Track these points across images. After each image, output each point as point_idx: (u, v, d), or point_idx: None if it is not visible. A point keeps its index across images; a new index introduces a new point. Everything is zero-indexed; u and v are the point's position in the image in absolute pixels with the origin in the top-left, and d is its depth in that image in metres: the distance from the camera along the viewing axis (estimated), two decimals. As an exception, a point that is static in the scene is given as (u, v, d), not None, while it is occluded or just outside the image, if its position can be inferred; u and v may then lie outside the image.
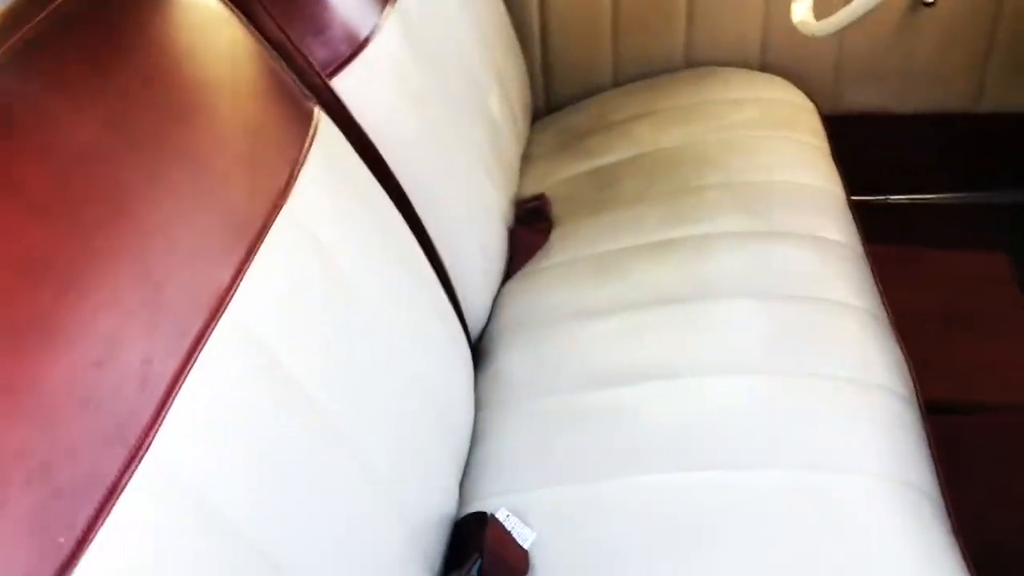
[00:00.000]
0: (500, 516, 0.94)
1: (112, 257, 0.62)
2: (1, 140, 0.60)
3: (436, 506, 0.95)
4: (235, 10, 0.87)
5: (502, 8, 1.60)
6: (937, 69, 1.68)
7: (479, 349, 1.22)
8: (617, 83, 1.77)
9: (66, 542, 0.53)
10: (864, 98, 1.74)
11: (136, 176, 0.66)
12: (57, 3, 0.70)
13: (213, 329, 0.67)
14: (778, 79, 1.68)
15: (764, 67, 1.73)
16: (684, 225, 1.30)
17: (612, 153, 1.52)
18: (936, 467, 1.00)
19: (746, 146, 1.45)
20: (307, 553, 0.70)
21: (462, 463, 1.04)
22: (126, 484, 0.57)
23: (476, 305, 1.22)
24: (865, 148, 1.72)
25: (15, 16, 0.67)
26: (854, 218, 1.36)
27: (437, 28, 1.25)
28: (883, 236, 1.39)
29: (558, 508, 0.96)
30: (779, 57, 1.71)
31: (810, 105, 1.62)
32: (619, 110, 1.65)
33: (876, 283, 1.23)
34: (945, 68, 1.68)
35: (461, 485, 1.03)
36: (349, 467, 0.78)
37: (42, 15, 0.68)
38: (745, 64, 1.73)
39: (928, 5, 1.62)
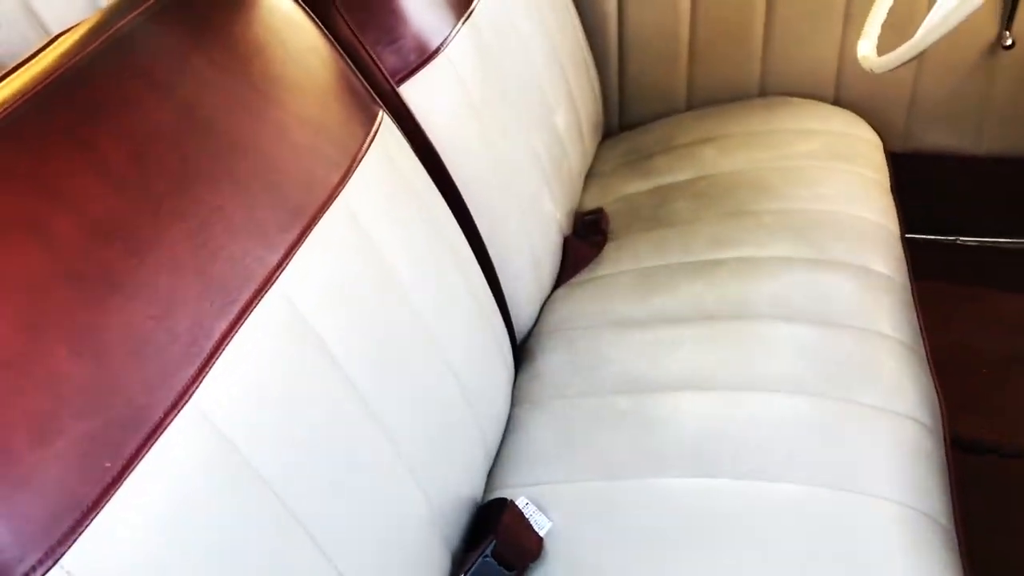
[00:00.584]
0: (519, 503, 0.99)
1: (174, 228, 0.70)
2: (90, 119, 0.69)
3: (462, 491, 1.01)
4: (311, 14, 0.96)
5: (579, 30, 1.66)
6: (1013, 112, 1.68)
7: (523, 349, 1.28)
8: (691, 107, 1.81)
9: (112, 467, 0.61)
10: (937, 137, 1.74)
11: (203, 157, 0.75)
12: (150, 2, 0.80)
13: (259, 301, 0.74)
14: (848, 113, 1.70)
15: (837, 100, 1.75)
16: (733, 247, 1.34)
17: (674, 173, 1.57)
18: (954, 501, 1.01)
19: (805, 175, 1.48)
20: (329, 515, 0.77)
21: (492, 453, 1.10)
22: (168, 425, 0.65)
23: (523, 308, 1.29)
24: (936, 187, 1.73)
25: (113, 12, 0.77)
26: (907, 254, 1.37)
27: (508, 44, 1.33)
28: (950, 275, 1.40)
29: (577, 502, 1.01)
30: (853, 91, 1.73)
31: (876, 140, 1.64)
32: (687, 133, 1.69)
33: (918, 318, 1.24)
34: (1021, 111, 1.67)
35: (489, 474, 1.09)
36: (379, 443, 0.85)
37: (135, 12, 0.77)
38: (819, 96, 1.75)
39: (1007, 48, 1.61)
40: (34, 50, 0.74)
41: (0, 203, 0.62)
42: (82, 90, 0.71)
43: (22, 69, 0.70)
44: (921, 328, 1.23)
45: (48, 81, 0.69)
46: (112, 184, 0.68)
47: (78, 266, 0.64)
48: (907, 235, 1.44)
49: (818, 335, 1.17)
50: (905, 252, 1.37)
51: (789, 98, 1.75)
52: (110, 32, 0.75)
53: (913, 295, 1.28)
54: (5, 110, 0.65)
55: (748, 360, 1.15)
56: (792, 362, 1.13)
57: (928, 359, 1.18)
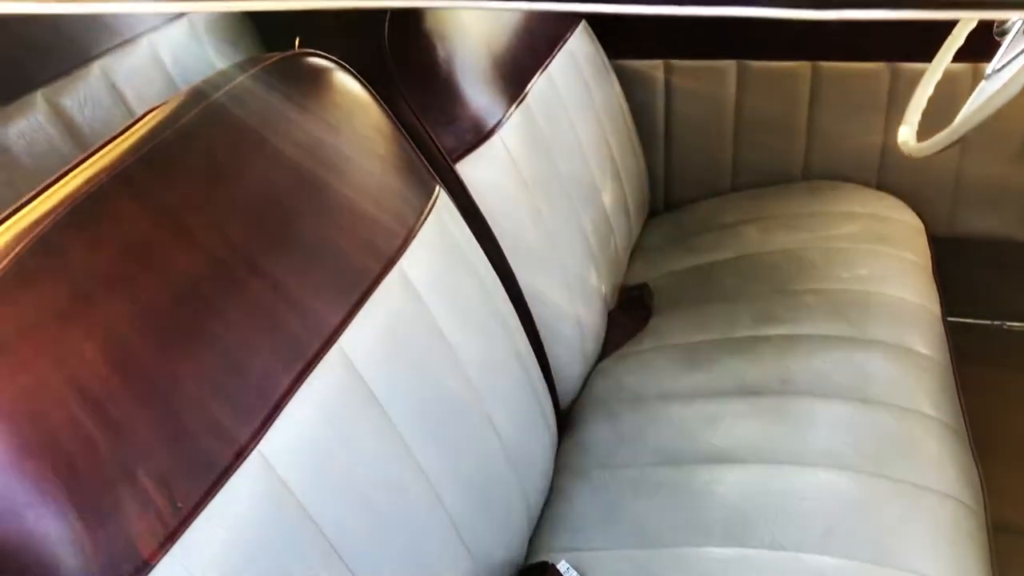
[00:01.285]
0: (560, 567, 1.02)
1: (250, 288, 0.77)
2: (173, 189, 0.76)
3: (505, 551, 1.04)
4: (377, 96, 1.03)
5: (627, 114, 1.73)
6: (1056, 198, 1.70)
7: (567, 418, 1.32)
8: (735, 188, 1.86)
9: (183, 508, 0.65)
10: (980, 222, 1.76)
11: (277, 223, 0.82)
12: (233, 83, 0.87)
13: (322, 357, 0.80)
14: (891, 197, 1.73)
15: (881, 185, 1.78)
16: (775, 324, 1.37)
17: (717, 252, 1.61)
18: (994, 581, 1.02)
19: (846, 256, 1.51)
20: (376, 563, 0.81)
21: (535, 517, 1.13)
22: (234, 471, 0.69)
23: (568, 378, 1.32)
24: (980, 271, 1.74)
25: (198, 92, 0.85)
26: (949, 337, 1.39)
27: (558, 126, 1.40)
28: (994, 359, 1.40)
29: (616, 568, 1.03)
30: (895, 176, 1.77)
31: (919, 224, 1.66)
32: (731, 213, 1.74)
33: (960, 400, 1.26)
34: (1064, 197, 1.69)
35: (531, 538, 1.12)
36: (426, 497, 0.89)
37: (219, 92, 0.85)
38: (862, 181, 1.79)
39: (1049, 134, 1.64)
40: (124, 127, 0.81)
41: (94, 262, 0.68)
42: (166, 163, 0.78)
43: (113, 144, 0.78)
44: (963, 409, 1.24)
45: (136, 156, 0.76)
46: (192, 247, 0.74)
47: (158, 319, 0.69)
48: (950, 318, 1.45)
49: (858, 412, 1.19)
50: (947, 334, 1.39)
51: (832, 182, 1.79)
52: (194, 111, 0.83)
53: (955, 377, 1.29)
54: (98, 182, 0.72)
55: (788, 435, 1.17)
56: (832, 438, 1.15)
57: (970, 440, 1.19)
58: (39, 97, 1.40)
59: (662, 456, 1.18)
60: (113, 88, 1.53)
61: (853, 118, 1.74)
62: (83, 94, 1.46)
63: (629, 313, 1.49)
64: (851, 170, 1.79)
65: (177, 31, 1.69)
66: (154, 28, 1.66)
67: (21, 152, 1.34)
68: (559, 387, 1.30)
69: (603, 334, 1.44)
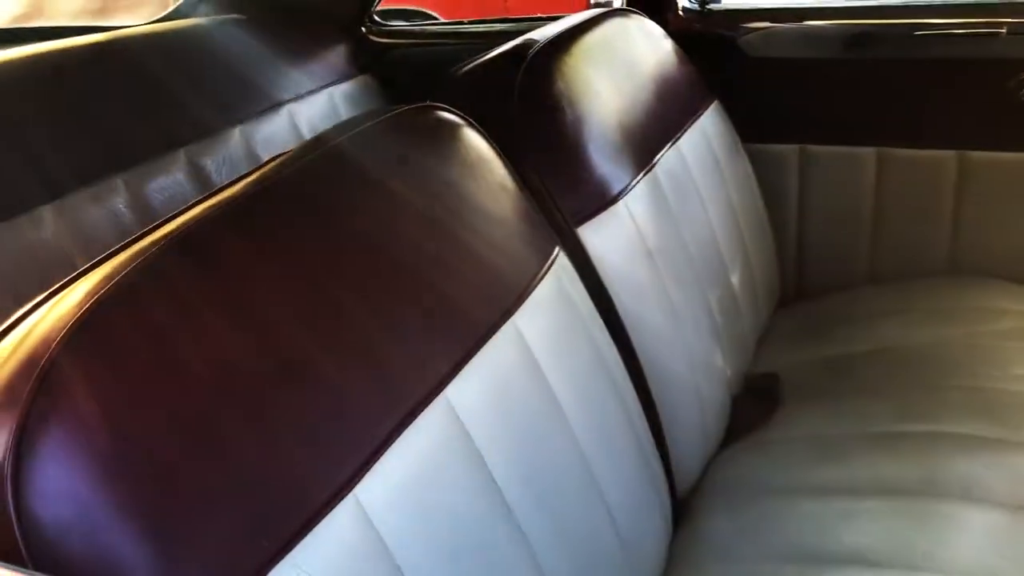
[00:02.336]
0: (670, 663, 0.93)
1: (361, 328, 0.74)
2: (292, 223, 0.76)
3: (609, 642, 0.95)
4: (501, 154, 1.02)
5: (758, 196, 1.67)
6: None
7: (683, 506, 1.23)
8: (872, 280, 1.76)
9: (268, 547, 0.62)
10: None
11: (393, 266, 0.80)
12: (365, 126, 0.87)
13: (427, 406, 0.76)
14: (1044, 295, 1.60)
15: (1031, 281, 1.65)
16: (916, 421, 1.25)
17: (853, 344, 1.51)
18: None
19: (997, 355, 1.39)
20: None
21: (644, 609, 1.04)
22: (327, 513, 0.66)
23: (687, 463, 1.24)
24: None
25: (321, 138, 0.86)
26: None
27: (687, 201, 1.35)
28: None
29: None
30: (1049, 273, 1.64)
31: (1079, 325, 1.52)
32: (867, 304, 1.64)
33: None
34: None
35: (639, 631, 1.03)
36: (524, 566, 0.83)
37: (342, 136, 0.85)
38: (1013, 277, 1.66)
39: None
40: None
41: (199, 287, 0.67)
42: (280, 199, 0.78)
43: (232, 183, 0.78)
44: None
45: (251, 192, 0.76)
46: (301, 280, 0.73)
47: (263, 349, 0.67)
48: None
49: (1008, 519, 1.06)
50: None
51: (979, 277, 1.67)
52: (315, 153, 0.83)
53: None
54: (210, 214, 0.72)
55: (933, 541, 1.05)
56: (984, 548, 1.03)
57: None
58: (182, 155, 1.46)
59: (786, 553, 1.08)
60: (251, 152, 1.58)
61: (1003, 210, 1.63)
62: (223, 155, 1.52)
63: (755, 401, 1.40)
64: (1001, 265, 1.67)
65: (317, 101, 1.76)
66: (296, 98, 1.73)
67: (159, 206, 1.39)
68: (676, 472, 1.22)
69: (726, 420, 1.36)
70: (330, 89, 1.84)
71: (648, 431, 1.12)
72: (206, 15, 1.84)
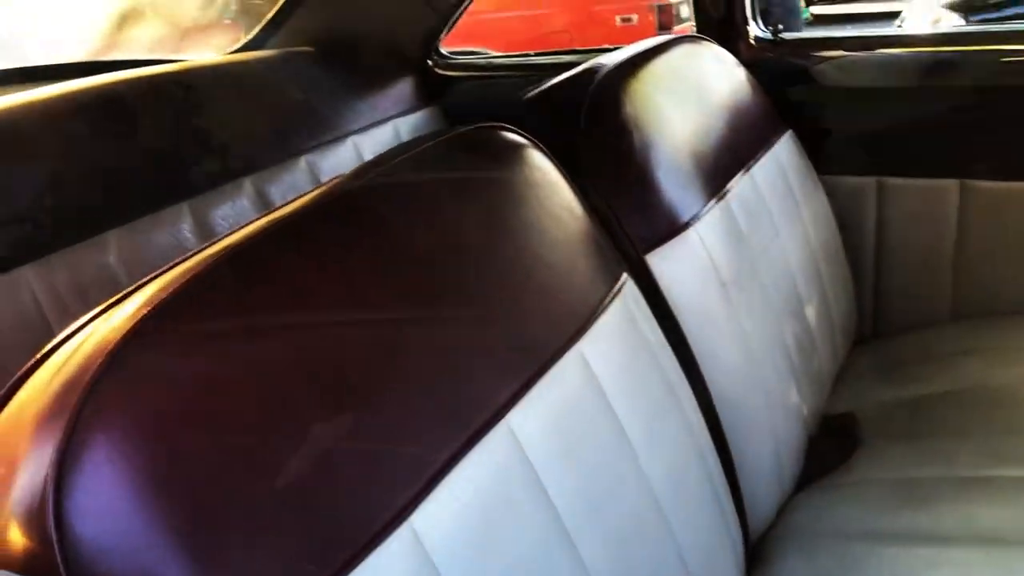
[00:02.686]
0: None
1: (420, 351, 0.71)
2: (345, 242, 0.73)
3: None
4: (567, 176, 0.98)
5: (835, 230, 1.61)
6: None
7: (757, 549, 1.16)
8: (954, 317, 1.67)
9: (318, 573, 0.58)
10: None
11: (454, 288, 0.77)
12: (426, 146, 0.85)
13: (487, 432, 0.72)
14: None
15: None
16: (1007, 465, 1.17)
17: (933, 384, 1.43)
18: None
19: (1091, 394, 1.30)
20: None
21: (714, 658, 0.98)
22: (381, 543, 0.62)
23: (761, 504, 1.18)
24: None
25: (380, 157, 0.83)
26: None
27: (761, 230, 1.30)
28: None
29: None
30: None
31: None
32: (948, 343, 1.55)
33: None
34: None
35: None
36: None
37: (413, 151, 0.83)
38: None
39: None
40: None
41: (253, 301, 0.65)
42: (336, 216, 0.75)
43: (294, 203, 0.76)
44: None
45: (306, 210, 0.74)
46: (365, 300, 0.70)
47: (316, 367, 0.65)
48: None
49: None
50: None
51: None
52: (373, 172, 0.80)
53: None
54: (264, 230, 0.69)
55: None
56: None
57: None
58: (247, 183, 1.46)
59: (869, 603, 1.00)
60: (316, 181, 1.58)
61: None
62: (288, 184, 1.52)
63: (833, 442, 1.33)
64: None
65: (381, 133, 1.76)
66: (361, 129, 1.73)
67: (223, 233, 1.38)
68: (750, 513, 1.16)
69: (802, 461, 1.29)
70: (396, 121, 1.84)
71: (720, 469, 1.06)
72: (276, 48, 1.86)
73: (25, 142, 1.28)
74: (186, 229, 1.35)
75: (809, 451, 1.31)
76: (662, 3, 5.02)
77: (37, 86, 1.40)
